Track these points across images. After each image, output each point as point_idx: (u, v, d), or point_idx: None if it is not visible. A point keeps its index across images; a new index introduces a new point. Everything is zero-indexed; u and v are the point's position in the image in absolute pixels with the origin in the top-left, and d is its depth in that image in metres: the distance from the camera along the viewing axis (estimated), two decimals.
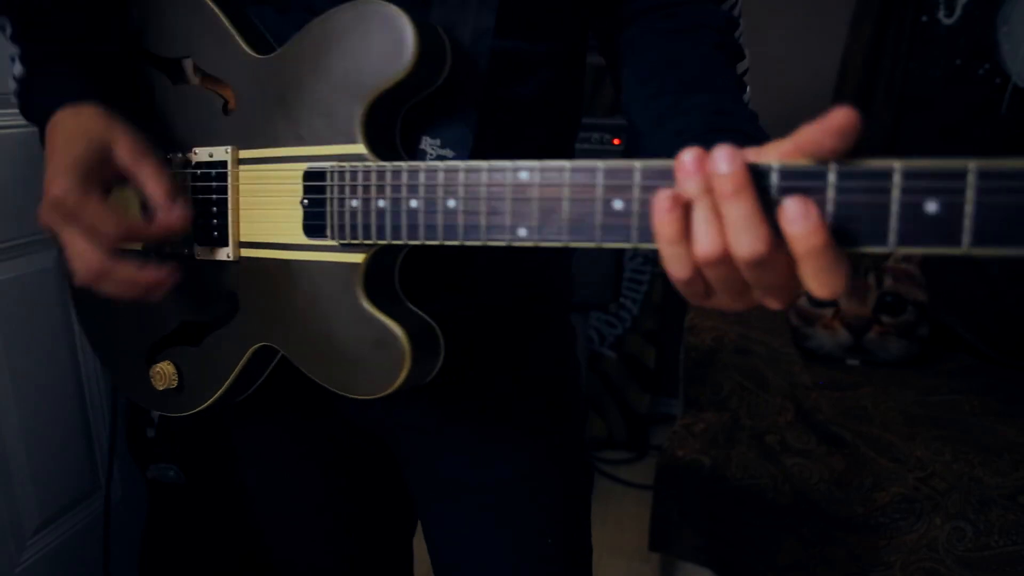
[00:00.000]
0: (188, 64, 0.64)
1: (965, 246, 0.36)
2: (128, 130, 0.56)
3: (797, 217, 0.37)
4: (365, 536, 0.81)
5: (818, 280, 0.39)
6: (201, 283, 0.64)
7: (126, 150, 0.55)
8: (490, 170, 0.47)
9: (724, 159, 0.39)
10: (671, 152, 0.42)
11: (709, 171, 0.39)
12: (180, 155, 0.63)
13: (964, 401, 1.71)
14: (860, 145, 0.39)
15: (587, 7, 0.66)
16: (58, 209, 0.53)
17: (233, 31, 0.60)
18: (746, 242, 0.39)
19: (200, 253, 0.63)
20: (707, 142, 0.41)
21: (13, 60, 0.63)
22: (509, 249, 0.48)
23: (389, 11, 0.52)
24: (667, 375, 2.52)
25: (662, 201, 0.40)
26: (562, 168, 0.45)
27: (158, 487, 1.34)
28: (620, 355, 2.40)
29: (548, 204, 0.46)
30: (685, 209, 0.40)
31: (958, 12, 2.22)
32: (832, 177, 0.39)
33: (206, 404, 0.65)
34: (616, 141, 1.86)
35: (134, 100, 0.64)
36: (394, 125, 0.56)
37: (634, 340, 2.40)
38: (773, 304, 0.42)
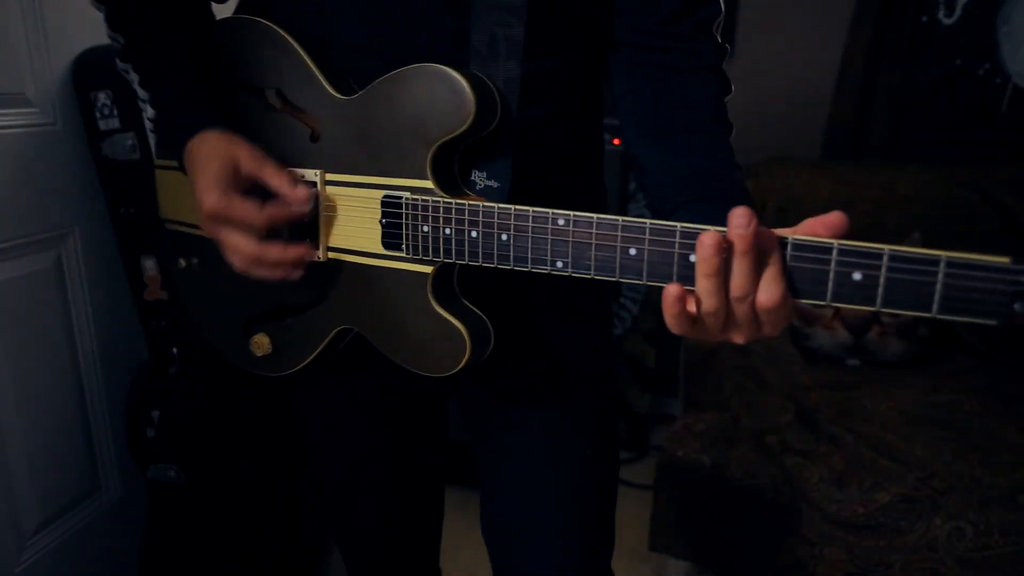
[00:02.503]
0: (271, 93, 0.75)
1: (878, 306, 0.49)
2: (246, 144, 0.68)
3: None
4: (404, 484, 0.93)
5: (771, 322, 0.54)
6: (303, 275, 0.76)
7: (248, 160, 0.67)
8: (534, 215, 0.59)
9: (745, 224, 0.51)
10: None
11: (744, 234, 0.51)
12: None
13: (964, 401, 1.71)
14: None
15: (592, 47, 0.74)
16: (213, 217, 0.66)
17: (317, 72, 0.71)
18: (764, 291, 0.52)
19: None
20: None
21: (145, 103, 0.75)
22: None
23: (453, 78, 0.62)
24: (667, 375, 2.52)
25: (709, 246, 0.51)
26: (590, 220, 0.57)
27: (158, 487, 1.34)
28: (620, 355, 2.40)
29: (580, 246, 0.58)
30: (727, 255, 0.52)
31: (958, 12, 2.22)
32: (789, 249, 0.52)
33: (295, 369, 0.79)
34: (616, 141, 1.87)
35: (237, 123, 0.73)
36: (453, 162, 0.68)
37: (634, 340, 2.40)
38: (763, 334, 0.56)
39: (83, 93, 1.24)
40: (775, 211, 2.24)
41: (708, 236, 0.51)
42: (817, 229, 0.51)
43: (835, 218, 0.51)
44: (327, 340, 0.76)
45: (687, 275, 0.55)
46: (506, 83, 0.65)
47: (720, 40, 0.72)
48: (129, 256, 1.32)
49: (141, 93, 0.75)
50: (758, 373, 1.74)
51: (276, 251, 0.67)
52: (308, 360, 0.78)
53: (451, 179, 0.67)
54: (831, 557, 1.31)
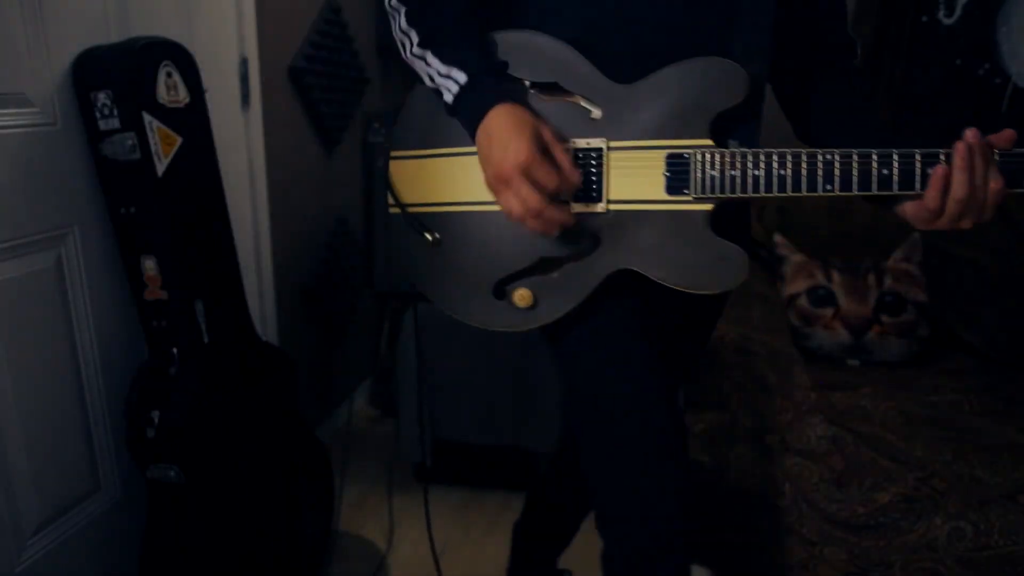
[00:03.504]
0: (526, 84, 0.91)
1: None
2: (545, 122, 0.85)
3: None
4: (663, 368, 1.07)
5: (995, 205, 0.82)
6: (571, 229, 0.87)
7: (549, 135, 0.84)
8: (808, 154, 0.81)
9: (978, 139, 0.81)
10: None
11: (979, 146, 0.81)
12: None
13: (964, 401, 1.71)
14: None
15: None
16: (520, 167, 0.80)
17: (593, 67, 0.89)
18: (991, 184, 0.81)
19: (576, 208, 0.88)
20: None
21: (449, 77, 0.88)
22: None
23: (736, 67, 0.84)
24: None
25: (961, 147, 0.80)
26: (850, 152, 0.81)
27: (158, 487, 1.34)
28: None
29: (845, 171, 0.81)
30: (972, 153, 0.80)
31: (958, 12, 2.22)
32: (997, 157, 0.81)
33: (558, 316, 0.90)
34: None
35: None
36: (718, 129, 0.86)
37: None
38: (986, 217, 0.82)
39: (83, 93, 1.24)
40: (775, 211, 2.24)
41: (960, 143, 0.79)
42: (1001, 143, 0.81)
43: (1010, 134, 0.81)
44: (600, 282, 0.89)
45: (925, 183, 0.80)
46: (755, 78, 0.87)
47: (856, 65, 1.03)
48: (129, 256, 1.32)
49: (440, 78, 0.89)
50: (758, 373, 1.74)
51: (558, 212, 0.82)
52: (570, 307, 0.90)
53: (718, 140, 0.86)
54: (831, 557, 1.31)
